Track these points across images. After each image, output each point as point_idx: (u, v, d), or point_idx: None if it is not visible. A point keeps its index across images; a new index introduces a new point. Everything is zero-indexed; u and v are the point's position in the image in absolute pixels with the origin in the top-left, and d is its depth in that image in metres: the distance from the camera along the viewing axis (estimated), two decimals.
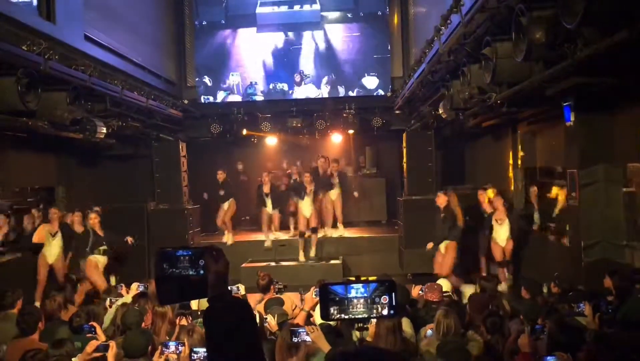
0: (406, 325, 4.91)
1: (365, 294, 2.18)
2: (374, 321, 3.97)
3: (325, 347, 3.70)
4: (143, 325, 5.06)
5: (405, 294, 5.75)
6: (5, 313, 5.66)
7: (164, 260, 2.02)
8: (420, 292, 6.21)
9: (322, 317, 2.24)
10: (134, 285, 6.51)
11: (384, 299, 2.18)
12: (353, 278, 6.12)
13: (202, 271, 2.00)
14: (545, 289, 6.50)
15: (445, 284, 6.77)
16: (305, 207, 11.23)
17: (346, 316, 2.18)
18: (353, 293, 2.18)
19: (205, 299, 2.10)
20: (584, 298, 5.18)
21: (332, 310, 2.17)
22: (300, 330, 3.94)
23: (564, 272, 7.04)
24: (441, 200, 9.40)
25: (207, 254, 2.03)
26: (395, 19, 13.71)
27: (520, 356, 4.18)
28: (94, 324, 4.90)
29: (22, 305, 5.79)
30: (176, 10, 13.68)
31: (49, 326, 5.15)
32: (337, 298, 2.18)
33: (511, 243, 9.24)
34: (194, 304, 5.87)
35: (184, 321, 5.13)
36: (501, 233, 9.28)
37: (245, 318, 2.16)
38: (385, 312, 2.20)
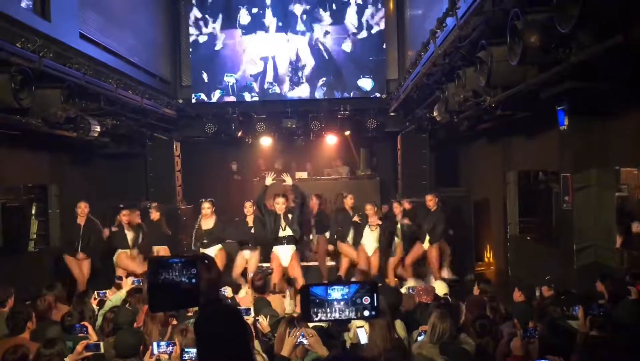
0: (399, 327, 4.91)
1: (346, 296, 2.18)
2: (356, 322, 3.96)
3: (323, 352, 3.68)
4: (135, 324, 5.04)
5: (396, 296, 5.75)
6: None
7: (156, 268, 2.01)
8: None
9: (303, 318, 2.24)
10: (129, 279, 6.53)
11: (366, 300, 2.18)
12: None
13: (194, 280, 2.00)
14: (537, 293, 6.52)
15: (439, 287, 6.78)
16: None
17: (326, 318, 2.18)
18: (334, 295, 2.18)
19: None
20: (577, 301, 5.20)
21: (313, 311, 2.17)
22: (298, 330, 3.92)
23: (556, 275, 7.06)
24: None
25: (200, 262, 2.03)
26: (392, 22, 13.73)
27: (512, 360, 4.19)
28: (86, 324, 4.88)
29: (14, 303, 5.76)
30: (172, 9, 13.65)
31: (40, 325, 5.12)
32: (318, 300, 2.17)
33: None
34: None
35: (175, 322, 5.12)
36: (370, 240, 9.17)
37: (236, 326, 2.16)
38: (366, 313, 2.20)
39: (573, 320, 4.88)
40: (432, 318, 4.51)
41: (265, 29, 13.86)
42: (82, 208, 8.84)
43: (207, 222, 8.92)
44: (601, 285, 5.48)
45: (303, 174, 13.87)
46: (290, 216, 8.19)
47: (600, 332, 4.36)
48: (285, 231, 8.17)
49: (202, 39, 13.85)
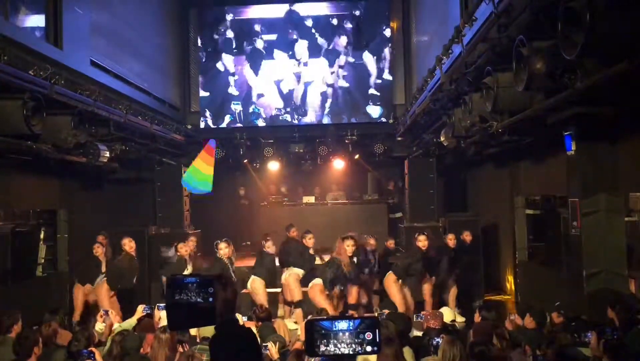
0: (407, 354, 4.86)
1: (351, 328, 2.17)
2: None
3: None
4: (142, 350, 5.02)
5: (406, 322, 5.70)
6: (2, 337, 5.62)
7: (173, 287, 2.03)
8: None
9: (308, 353, 2.22)
10: (140, 307, 6.51)
11: (368, 335, 2.17)
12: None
13: (210, 299, 2.01)
14: (548, 319, 6.44)
15: (447, 313, 6.72)
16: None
17: (332, 350, 2.16)
18: (339, 326, 2.17)
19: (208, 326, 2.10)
20: (588, 327, 5.13)
21: (318, 343, 2.15)
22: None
23: (565, 301, 6.98)
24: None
25: (216, 282, 2.04)
26: (398, 48, 13.87)
27: None
28: (93, 349, 4.85)
29: (21, 328, 5.75)
30: (182, 36, 13.86)
31: (46, 351, 5.10)
32: (323, 331, 2.16)
33: None
34: (193, 330, 5.84)
35: (181, 349, 5.09)
36: None
37: (250, 346, 2.16)
38: (369, 349, 2.18)
39: (584, 346, 4.81)
40: (442, 343, 4.47)
41: (274, 57, 14.03)
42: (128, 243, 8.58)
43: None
44: (612, 312, 5.41)
45: (310, 199, 13.90)
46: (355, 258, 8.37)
47: (613, 359, 4.29)
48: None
49: (211, 65, 14.04)
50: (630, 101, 5.34)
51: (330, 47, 13.98)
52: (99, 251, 8.86)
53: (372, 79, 13.94)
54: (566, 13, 3.91)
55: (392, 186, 14.43)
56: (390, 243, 10.86)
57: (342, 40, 13.96)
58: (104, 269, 8.69)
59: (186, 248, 9.09)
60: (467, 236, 9.78)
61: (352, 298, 8.73)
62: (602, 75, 4.29)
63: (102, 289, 8.31)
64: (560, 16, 4.00)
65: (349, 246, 8.09)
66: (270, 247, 8.84)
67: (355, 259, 8.34)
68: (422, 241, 8.66)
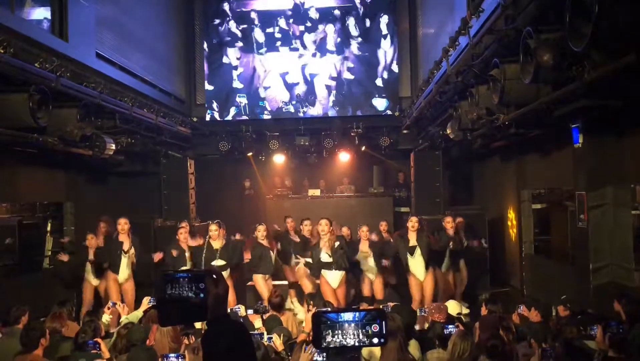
0: (414, 347, 4.86)
1: (357, 319, 2.18)
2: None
3: None
4: (148, 342, 5.04)
5: (411, 315, 5.70)
6: (10, 328, 5.66)
7: (164, 282, 2.02)
8: None
9: (315, 345, 2.22)
10: (145, 299, 6.53)
11: (375, 327, 2.17)
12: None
13: (202, 294, 2.00)
14: (553, 312, 6.43)
15: (453, 306, 6.71)
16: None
17: (338, 341, 2.16)
18: (345, 317, 2.18)
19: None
20: (594, 321, 5.11)
21: (324, 334, 2.16)
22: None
23: (572, 295, 6.96)
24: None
25: (208, 277, 2.03)
26: (404, 40, 13.81)
27: None
28: (99, 340, 4.88)
29: (29, 320, 5.78)
30: (187, 29, 13.86)
31: (53, 342, 5.13)
32: (329, 322, 2.17)
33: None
34: (199, 323, 5.86)
35: (187, 341, 5.11)
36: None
37: (242, 342, 2.15)
38: (375, 341, 2.18)
39: (590, 340, 4.80)
40: (453, 336, 4.45)
41: (279, 49, 14.00)
42: (122, 225, 8.33)
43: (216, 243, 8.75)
44: (618, 305, 5.39)
45: (316, 192, 13.89)
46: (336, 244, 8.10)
47: (618, 353, 4.28)
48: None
49: (217, 58, 14.02)
50: (637, 94, 5.30)
51: (336, 39, 13.93)
52: (92, 242, 8.60)
53: (378, 72, 13.88)
54: (574, 4, 3.88)
55: (402, 178, 14.37)
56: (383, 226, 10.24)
57: (348, 33, 13.89)
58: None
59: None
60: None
61: (366, 291, 8.69)
62: (609, 67, 4.27)
63: (109, 280, 8.33)
64: (568, 7, 3.97)
65: (321, 226, 7.93)
66: (262, 238, 8.76)
67: (337, 243, 8.14)
68: (412, 221, 8.65)
